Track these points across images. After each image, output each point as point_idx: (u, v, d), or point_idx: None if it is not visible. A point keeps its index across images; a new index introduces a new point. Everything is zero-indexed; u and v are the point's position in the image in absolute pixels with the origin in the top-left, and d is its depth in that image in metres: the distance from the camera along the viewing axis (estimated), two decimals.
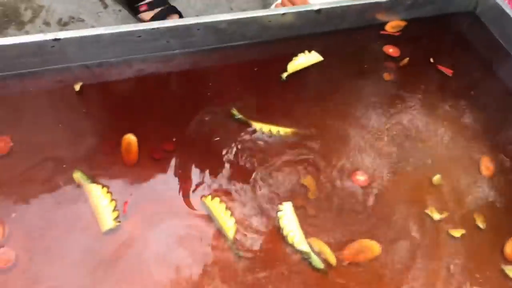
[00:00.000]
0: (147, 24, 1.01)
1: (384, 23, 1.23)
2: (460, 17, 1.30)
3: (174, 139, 0.91)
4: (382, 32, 1.21)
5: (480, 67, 1.20)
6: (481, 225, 0.88)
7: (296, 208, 0.85)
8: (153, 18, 1.67)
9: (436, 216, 0.88)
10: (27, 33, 1.52)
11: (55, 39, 0.94)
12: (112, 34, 0.98)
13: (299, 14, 1.13)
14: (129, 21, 1.66)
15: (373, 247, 0.82)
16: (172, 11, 1.71)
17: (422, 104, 1.08)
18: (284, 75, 1.07)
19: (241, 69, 1.09)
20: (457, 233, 0.86)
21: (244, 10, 1.82)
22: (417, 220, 0.88)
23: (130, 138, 0.89)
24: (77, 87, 0.97)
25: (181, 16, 1.74)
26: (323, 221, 0.85)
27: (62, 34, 0.94)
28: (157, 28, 1.01)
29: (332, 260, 0.79)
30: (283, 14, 1.11)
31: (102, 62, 1.02)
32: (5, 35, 1.50)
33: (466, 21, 1.30)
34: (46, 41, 0.94)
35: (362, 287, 0.78)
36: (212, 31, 1.07)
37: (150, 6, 1.68)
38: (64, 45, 0.96)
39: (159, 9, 1.69)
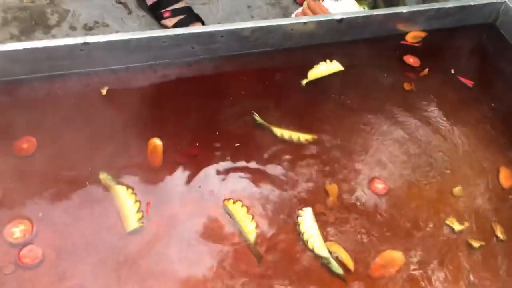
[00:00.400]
0: (173, 30, 1.03)
1: (405, 33, 1.23)
2: (481, 28, 1.30)
3: (197, 144, 0.93)
4: (402, 42, 1.22)
5: (500, 79, 1.20)
6: (501, 236, 0.88)
7: (316, 214, 0.85)
8: (176, 25, 1.69)
9: (457, 226, 0.88)
10: (53, 37, 1.55)
11: (84, 43, 0.96)
12: (138, 39, 1.00)
13: (321, 23, 1.14)
14: (153, 27, 1.68)
15: (397, 259, 0.83)
16: (195, 18, 1.73)
17: (442, 114, 1.08)
18: (304, 81, 1.08)
19: (263, 76, 1.11)
20: (477, 243, 0.87)
21: (264, 18, 1.83)
22: (438, 230, 0.88)
23: (156, 142, 0.90)
24: (103, 91, 0.99)
25: (203, 24, 1.76)
26: (342, 227, 0.85)
27: (91, 39, 0.97)
28: (182, 34, 1.03)
29: (350, 265, 0.80)
30: (305, 23, 1.12)
31: (129, 66, 1.04)
32: (32, 39, 1.53)
33: (486, 33, 1.30)
34: (75, 45, 0.96)
35: None
36: (235, 38, 1.09)
37: (174, 13, 1.70)
38: (93, 49, 0.98)
39: (182, 16, 1.71)
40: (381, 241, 0.85)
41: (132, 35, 0.99)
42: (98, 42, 0.97)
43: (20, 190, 0.81)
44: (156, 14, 1.72)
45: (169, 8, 1.71)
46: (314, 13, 1.51)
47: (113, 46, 0.99)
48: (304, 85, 1.08)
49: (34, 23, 1.62)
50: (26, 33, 1.57)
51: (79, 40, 0.96)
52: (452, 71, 1.17)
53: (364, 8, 1.75)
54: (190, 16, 1.72)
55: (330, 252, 0.81)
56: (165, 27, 1.71)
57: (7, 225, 0.75)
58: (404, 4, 1.65)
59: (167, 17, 1.71)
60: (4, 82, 0.96)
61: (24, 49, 0.93)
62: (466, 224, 0.89)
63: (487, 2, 1.29)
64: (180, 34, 1.02)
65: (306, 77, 1.09)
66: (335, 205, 0.88)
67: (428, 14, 1.22)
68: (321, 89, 1.09)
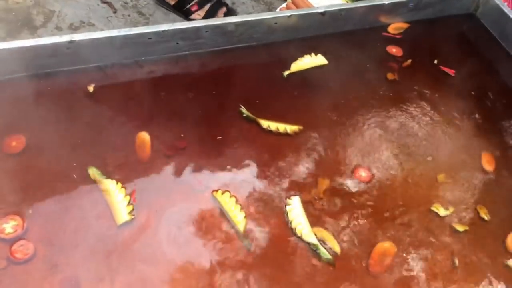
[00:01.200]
0: (158, 27, 1.03)
1: (387, 25, 1.25)
2: (461, 18, 1.32)
3: (185, 137, 0.93)
4: (384, 33, 1.23)
5: (481, 67, 1.22)
6: (485, 217, 0.90)
7: (303, 202, 0.86)
8: (206, 16, 1.70)
9: (442, 212, 0.89)
10: (39, 37, 1.55)
11: (71, 41, 0.96)
12: (124, 36, 1.00)
13: (304, 16, 1.15)
14: (138, 25, 1.68)
15: (390, 249, 0.84)
16: (221, 4, 1.74)
17: (424, 103, 1.09)
18: (286, 73, 1.09)
19: (248, 69, 1.11)
20: (461, 228, 0.88)
21: (249, 12, 1.84)
22: (424, 217, 0.89)
23: (144, 136, 0.91)
24: (90, 88, 0.99)
25: (228, 9, 1.77)
26: (329, 215, 0.86)
27: (77, 36, 0.97)
28: (167, 30, 1.03)
29: (337, 248, 0.81)
30: (289, 16, 1.13)
31: (115, 63, 1.04)
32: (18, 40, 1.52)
33: (467, 23, 1.32)
34: (62, 43, 0.96)
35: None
36: (220, 33, 1.10)
37: (200, 5, 1.70)
38: (79, 47, 0.98)
39: (209, 5, 1.71)
40: (368, 229, 0.86)
41: (118, 32, 1.00)
42: (84, 40, 0.97)
43: (10, 187, 0.81)
44: (183, 11, 1.73)
45: (195, 1, 1.71)
46: (298, 7, 1.52)
47: (99, 43, 0.99)
48: (285, 76, 1.09)
49: (19, 24, 1.61)
50: (12, 34, 1.56)
51: (65, 38, 0.96)
52: (435, 62, 1.19)
53: (347, 1, 1.76)
54: (216, 3, 1.73)
55: (318, 238, 0.82)
56: None
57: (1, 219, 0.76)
58: None
59: (195, 11, 1.71)
60: None
61: (11, 48, 0.93)
62: (451, 209, 0.90)
63: None
64: (165, 30, 1.03)
65: (289, 69, 1.10)
66: (321, 193, 0.89)
67: (409, 6, 1.23)
68: (306, 81, 1.10)
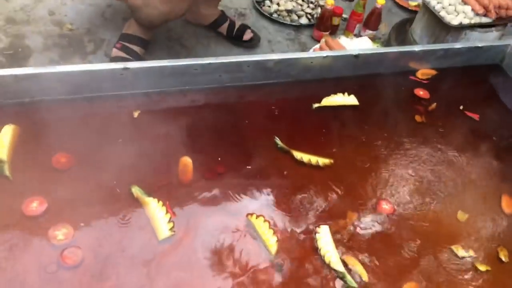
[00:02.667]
0: (203, 59, 1.08)
1: (416, 70, 1.28)
2: (488, 68, 1.35)
3: (223, 163, 0.97)
4: (412, 77, 1.27)
5: (504, 115, 1.24)
6: (504, 258, 0.91)
7: (332, 232, 0.89)
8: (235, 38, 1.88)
9: (462, 253, 0.91)
10: (90, 63, 1.63)
11: (125, 68, 1.02)
12: (173, 66, 1.06)
13: (338, 57, 1.20)
14: (179, 55, 1.75)
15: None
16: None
17: (449, 145, 1.12)
18: (315, 105, 1.13)
19: (284, 103, 1.16)
20: (483, 267, 0.89)
21: (283, 51, 1.90)
22: (445, 255, 0.91)
23: (187, 160, 0.95)
24: (135, 113, 1.03)
25: (252, 31, 1.92)
26: (357, 246, 0.89)
27: (131, 64, 1.03)
28: (213, 63, 1.08)
29: (364, 276, 0.83)
30: (325, 57, 1.18)
31: (161, 91, 1.10)
32: (70, 64, 1.60)
33: (493, 72, 1.35)
34: (117, 69, 1.02)
35: None
36: (260, 69, 1.15)
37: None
38: (131, 74, 1.03)
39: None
40: (393, 262, 0.88)
41: (168, 62, 1.05)
42: (137, 68, 1.03)
43: (61, 199, 0.86)
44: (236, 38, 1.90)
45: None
46: (332, 49, 1.57)
47: (150, 72, 1.05)
48: (314, 108, 1.13)
49: (72, 49, 1.69)
50: (64, 59, 1.64)
51: (120, 65, 1.02)
52: (461, 107, 1.21)
53: (377, 45, 1.81)
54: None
55: (346, 266, 0.84)
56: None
57: (51, 228, 0.80)
58: (415, 43, 1.72)
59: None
60: (51, 100, 1.01)
61: (73, 71, 0.99)
62: (471, 252, 0.91)
63: (493, 44, 1.34)
64: (211, 63, 1.08)
65: (319, 103, 1.14)
66: (349, 224, 0.91)
67: (439, 54, 1.27)
68: (337, 118, 1.14)
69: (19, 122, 0.96)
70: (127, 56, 1.62)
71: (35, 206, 0.82)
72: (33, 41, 1.68)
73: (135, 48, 1.64)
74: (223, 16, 1.87)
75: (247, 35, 1.86)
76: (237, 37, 1.86)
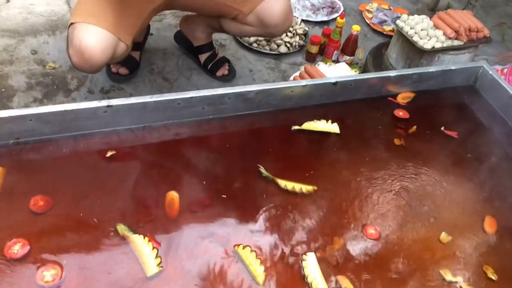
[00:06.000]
0: (186, 93, 1.09)
1: (395, 94, 1.31)
2: (462, 89, 1.38)
3: (209, 195, 0.98)
4: (391, 99, 1.29)
5: (481, 135, 1.27)
6: (492, 277, 0.92)
7: (318, 259, 0.89)
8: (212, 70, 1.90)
9: (449, 277, 0.91)
10: (74, 100, 1.63)
11: (108, 106, 1.03)
12: (156, 101, 1.07)
13: (317, 85, 1.22)
14: (163, 90, 1.76)
15: None
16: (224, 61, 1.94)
17: (429, 167, 1.14)
18: (295, 127, 1.15)
19: (266, 132, 1.17)
20: None
21: (265, 81, 1.93)
22: (432, 279, 0.91)
23: (173, 195, 0.95)
24: (110, 152, 1.03)
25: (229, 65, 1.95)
26: (343, 271, 0.89)
27: (114, 102, 1.03)
28: (195, 97, 1.10)
29: None
30: (304, 85, 1.20)
31: (145, 126, 1.10)
32: (54, 102, 1.61)
33: (468, 93, 1.38)
34: (100, 107, 1.03)
35: None
36: (242, 100, 1.16)
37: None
38: (115, 111, 1.04)
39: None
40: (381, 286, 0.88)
41: (151, 98, 1.06)
42: (120, 105, 1.04)
43: (44, 242, 0.85)
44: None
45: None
46: (311, 76, 1.60)
47: (133, 108, 1.06)
48: (292, 130, 1.15)
49: (55, 87, 1.69)
50: (48, 97, 1.64)
51: (103, 103, 1.03)
52: (442, 128, 1.24)
53: (355, 71, 1.85)
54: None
55: (339, 284, 0.84)
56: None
57: (39, 269, 0.79)
58: (392, 67, 1.75)
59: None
60: (33, 141, 1.01)
61: (55, 111, 1.00)
62: (458, 278, 0.91)
63: (466, 66, 1.37)
64: (193, 97, 1.09)
65: (300, 126, 1.16)
66: (335, 250, 0.92)
67: (414, 78, 1.30)
68: (319, 143, 1.15)
69: (3, 164, 0.95)
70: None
71: (17, 248, 0.82)
72: (16, 81, 1.69)
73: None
74: (210, 46, 1.89)
75: (221, 72, 1.88)
76: (211, 71, 1.88)
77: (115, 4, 1.38)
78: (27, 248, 0.82)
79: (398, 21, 1.68)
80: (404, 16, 1.70)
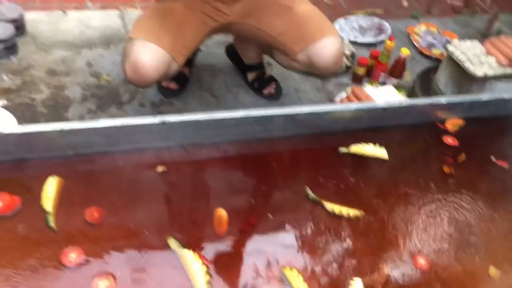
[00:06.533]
0: (238, 112, 1.11)
1: (444, 120, 1.29)
2: None
3: (255, 214, 0.98)
4: (440, 125, 1.27)
5: None
6: None
7: (365, 285, 0.88)
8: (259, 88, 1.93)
9: None
10: (125, 112, 1.68)
11: (163, 122, 1.05)
12: (209, 120, 1.08)
13: (367, 110, 1.21)
14: (210, 106, 1.79)
15: None
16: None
17: (478, 196, 1.11)
18: (343, 150, 1.14)
19: (315, 153, 1.17)
20: None
21: (311, 101, 1.93)
22: None
23: (221, 212, 0.96)
24: (163, 167, 1.05)
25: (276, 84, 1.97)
26: None
27: (169, 118, 1.06)
28: (246, 117, 1.11)
29: None
30: (354, 110, 1.19)
31: (196, 142, 1.12)
32: (107, 114, 1.66)
33: None
34: (154, 124, 1.05)
35: None
36: (291, 121, 1.17)
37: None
38: (169, 127, 1.07)
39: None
40: None
41: (204, 116, 1.08)
42: (174, 122, 1.06)
43: (100, 251, 0.87)
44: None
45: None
46: (359, 99, 1.59)
47: (186, 125, 1.08)
48: (340, 152, 1.14)
49: (109, 99, 1.75)
50: (102, 108, 1.70)
51: (158, 119, 1.05)
52: (493, 158, 1.21)
53: (402, 94, 1.83)
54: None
55: None
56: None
57: (94, 279, 0.81)
58: (440, 92, 1.73)
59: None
60: (89, 153, 1.05)
61: (113, 126, 1.03)
62: None
63: None
64: (245, 117, 1.10)
65: (348, 149, 1.15)
66: (382, 279, 0.91)
67: (465, 105, 1.28)
68: (367, 167, 1.14)
69: (61, 174, 0.99)
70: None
71: (73, 257, 0.84)
72: (72, 92, 1.75)
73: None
74: (259, 65, 1.91)
75: (268, 90, 1.90)
76: (258, 89, 1.90)
77: (173, 25, 1.42)
78: (83, 257, 0.85)
79: (449, 46, 1.66)
80: (455, 41, 1.67)
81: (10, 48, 1.59)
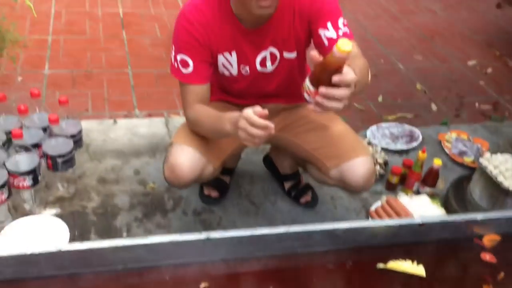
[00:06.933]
0: (279, 228, 1.15)
1: (481, 235, 1.29)
2: None
3: None
4: (477, 242, 1.27)
5: None
6: None
7: None
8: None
9: None
10: (169, 220, 1.75)
11: (207, 238, 1.11)
12: (251, 236, 1.13)
13: (403, 226, 1.24)
14: (250, 213, 1.85)
15: None
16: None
17: None
18: (380, 265, 1.15)
19: (352, 269, 1.19)
20: None
21: (346, 208, 1.96)
22: None
23: None
24: (204, 284, 1.08)
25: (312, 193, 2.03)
26: None
27: (213, 234, 1.11)
28: (286, 233, 1.15)
29: None
30: (391, 226, 1.22)
31: (237, 257, 1.16)
32: (152, 222, 1.73)
33: None
34: (199, 240, 1.10)
35: None
36: (329, 236, 1.20)
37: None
38: (213, 243, 1.12)
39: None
40: None
41: (246, 232, 1.13)
42: (219, 238, 1.11)
43: None
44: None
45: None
46: (394, 210, 1.62)
47: (229, 241, 1.13)
48: (378, 268, 1.14)
49: (154, 207, 1.83)
50: (148, 216, 1.78)
51: (203, 236, 1.11)
52: None
53: (437, 203, 1.84)
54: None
55: None
56: None
57: None
58: (476, 203, 1.74)
59: None
60: (138, 268, 1.10)
61: (161, 242, 1.09)
62: None
63: None
64: (284, 233, 1.15)
65: (386, 264, 1.16)
66: None
67: (501, 221, 1.29)
68: (405, 284, 1.15)
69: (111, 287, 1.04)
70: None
71: None
72: (120, 200, 1.85)
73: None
74: (295, 175, 1.98)
75: (304, 199, 1.96)
76: (295, 197, 1.96)
77: None
78: None
79: (481, 160, 1.70)
80: (487, 155, 1.72)
81: (69, 161, 1.72)
